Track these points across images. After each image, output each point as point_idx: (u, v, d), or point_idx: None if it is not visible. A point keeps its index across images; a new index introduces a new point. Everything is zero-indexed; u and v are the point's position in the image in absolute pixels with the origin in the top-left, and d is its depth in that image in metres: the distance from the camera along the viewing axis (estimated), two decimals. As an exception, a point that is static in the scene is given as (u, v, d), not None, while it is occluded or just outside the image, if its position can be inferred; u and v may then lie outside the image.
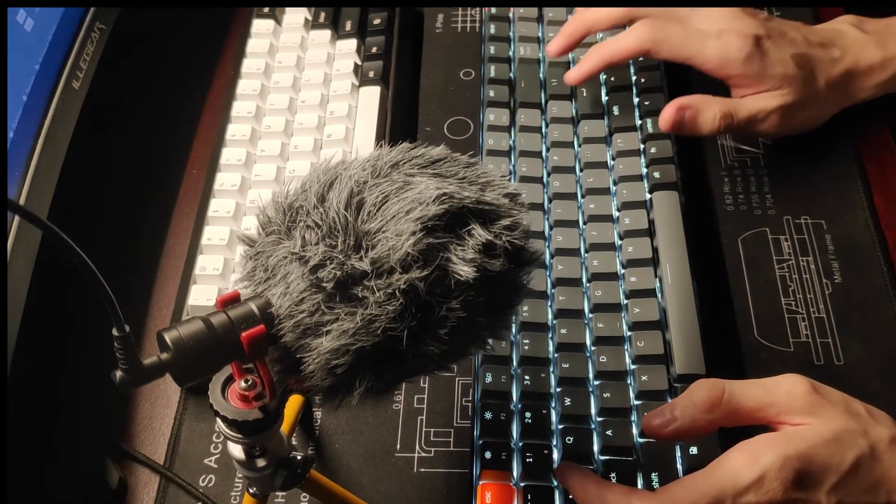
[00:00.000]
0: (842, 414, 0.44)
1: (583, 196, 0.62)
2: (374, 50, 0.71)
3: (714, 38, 0.61)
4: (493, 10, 0.73)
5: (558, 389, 0.53)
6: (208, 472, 0.54)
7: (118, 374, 0.33)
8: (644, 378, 0.53)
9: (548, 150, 0.65)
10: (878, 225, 0.62)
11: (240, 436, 0.38)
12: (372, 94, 0.68)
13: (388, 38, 0.72)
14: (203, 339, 0.34)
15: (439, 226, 0.35)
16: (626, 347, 0.55)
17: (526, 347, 0.55)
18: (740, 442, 0.44)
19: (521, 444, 0.52)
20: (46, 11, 0.59)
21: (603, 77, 0.68)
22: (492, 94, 0.68)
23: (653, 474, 0.50)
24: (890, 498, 0.43)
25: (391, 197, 0.35)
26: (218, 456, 0.55)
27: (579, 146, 0.65)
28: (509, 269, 0.37)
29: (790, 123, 0.63)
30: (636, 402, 0.53)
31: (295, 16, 0.74)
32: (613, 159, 0.64)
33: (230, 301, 0.35)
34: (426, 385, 0.57)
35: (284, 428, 0.45)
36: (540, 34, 0.72)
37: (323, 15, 0.74)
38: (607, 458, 0.51)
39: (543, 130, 0.66)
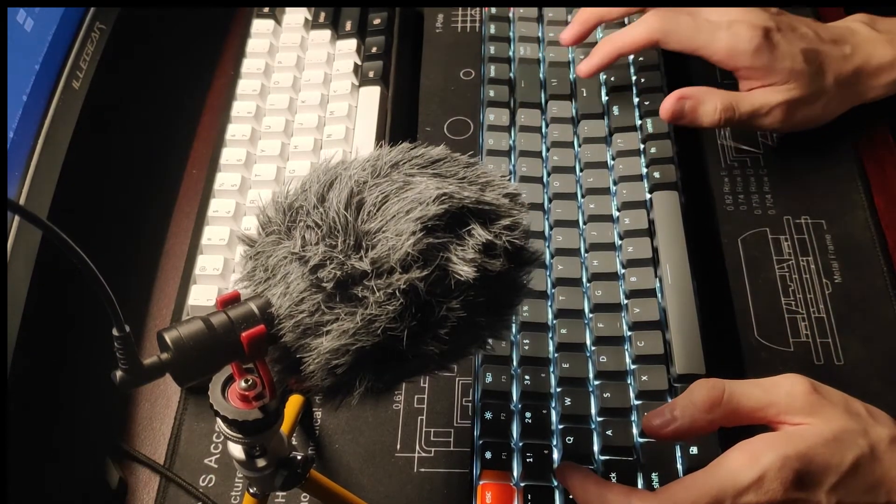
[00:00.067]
0: (842, 414, 0.44)
1: (583, 196, 0.62)
2: (374, 50, 0.71)
3: (724, 29, 0.61)
4: (493, 10, 0.73)
5: (558, 389, 0.53)
6: (208, 472, 0.54)
7: (118, 374, 0.33)
8: (644, 378, 0.53)
9: (548, 150, 0.65)
10: (878, 225, 0.62)
11: (240, 436, 0.38)
12: (372, 94, 0.68)
13: (388, 38, 0.72)
14: (203, 339, 0.34)
15: (439, 226, 0.35)
16: (626, 347, 0.55)
17: (526, 347, 0.55)
18: (740, 442, 0.44)
19: (521, 444, 0.52)
20: (46, 11, 0.59)
21: (603, 77, 0.68)
22: (492, 94, 0.68)
23: (653, 474, 0.50)
24: (890, 498, 0.43)
25: (391, 197, 0.35)
26: (218, 456, 0.55)
27: (579, 146, 0.65)
28: (509, 269, 0.37)
29: (794, 119, 0.62)
30: (636, 402, 0.53)
31: (295, 16, 0.74)
32: (613, 159, 0.64)
33: (230, 301, 0.35)
34: (426, 385, 0.57)
35: (284, 428, 0.45)
36: (540, 34, 0.72)
37: (323, 15, 0.74)
38: (607, 458, 0.51)
39: (543, 130, 0.66)
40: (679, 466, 0.50)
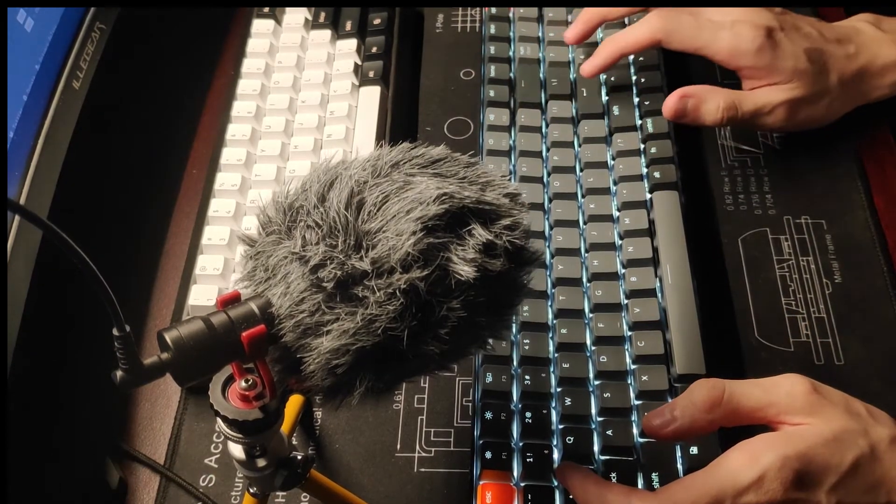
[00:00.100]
0: (842, 414, 0.44)
1: (583, 196, 0.62)
2: (374, 50, 0.71)
3: (726, 28, 0.61)
4: (493, 10, 0.73)
5: (558, 389, 0.53)
6: (208, 472, 0.54)
7: (118, 374, 0.33)
8: (644, 378, 0.53)
9: (548, 150, 0.65)
10: (878, 225, 0.62)
11: (240, 436, 0.38)
12: (372, 94, 0.68)
13: (388, 38, 0.72)
14: (203, 339, 0.34)
15: (440, 225, 0.35)
16: (626, 347, 0.55)
17: (526, 347, 0.55)
18: (740, 442, 0.44)
19: (521, 444, 0.52)
20: (46, 11, 0.59)
21: (603, 77, 0.68)
22: (492, 94, 0.68)
23: (653, 474, 0.50)
24: (890, 498, 0.43)
25: (391, 197, 0.35)
26: (218, 456, 0.55)
27: (579, 146, 0.65)
28: (509, 268, 0.37)
29: (797, 119, 0.62)
30: (636, 402, 0.53)
31: (295, 16, 0.74)
32: (613, 159, 0.64)
33: (230, 301, 0.35)
34: (426, 385, 0.57)
35: (284, 428, 0.45)
36: (540, 34, 0.72)
37: (323, 15, 0.74)
38: (607, 458, 0.51)
39: (543, 130, 0.66)
40: (679, 466, 0.50)
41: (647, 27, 0.62)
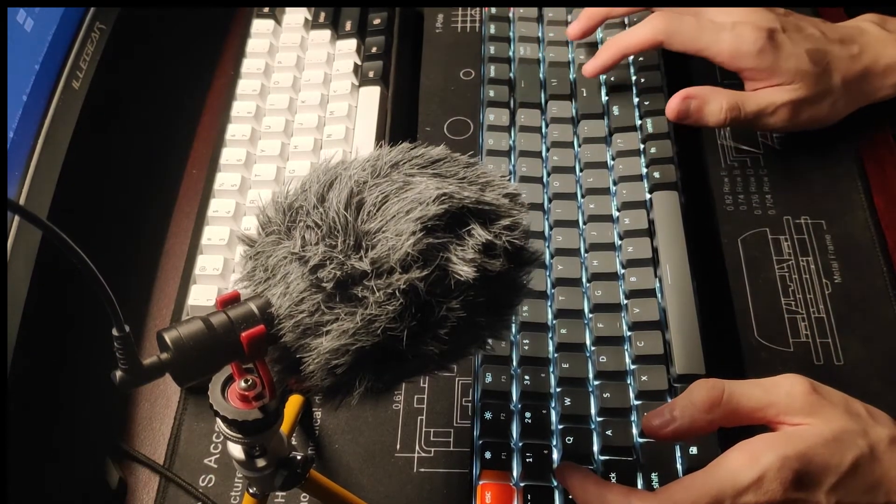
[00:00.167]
0: (842, 414, 0.44)
1: (583, 196, 0.62)
2: (374, 50, 0.71)
3: (728, 30, 0.61)
4: (493, 10, 0.73)
5: (558, 389, 0.53)
6: (208, 472, 0.54)
7: (118, 374, 0.33)
8: (644, 378, 0.53)
9: (548, 150, 0.65)
10: (878, 225, 0.62)
11: (240, 436, 0.38)
12: (372, 94, 0.68)
13: (388, 38, 0.72)
14: (203, 339, 0.34)
15: (439, 226, 0.35)
16: (626, 347, 0.55)
17: (526, 347, 0.55)
18: (740, 442, 0.44)
19: (521, 444, 0.52)
20: (46, 11, 0.59)
21: (603, 77, 0.68)
22: (492, 94, 0.68)
23: (653, 474, 0.50)
24: (889, 498, 0.43)
25: (391, 197, 0.35)
26: (218, 456, 0.55)
27: (579, 146, 0.65)
28: (509, 269, 0.37)
29: (800, 119, 0.62)
30: (636, 402, 0.53)
31: (295, 16, 0.74)
32: (613, 159, 0.64)
33: (230, 301, 0.35)
34: (426, 385, 0.57)
35: (284, 428, 0.45)
36: (540, 34, 0.72)
37: (323, 15, 0.74)
38: (607, 458, 0.51)
39: (543, 130, 0.66)
40: (679, 466, 0.50)
41: (649, 28, 0.62)
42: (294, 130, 0.67)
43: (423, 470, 0.54)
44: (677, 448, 0.51)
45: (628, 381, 0.54)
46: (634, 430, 0.52)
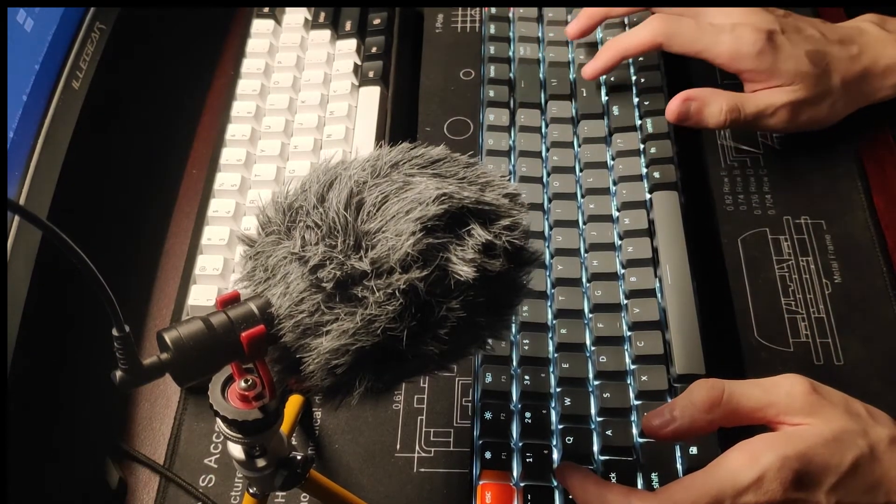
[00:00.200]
0: (841, 414, 0.44)
1: (583, 196, 0.62)
2: (374, 50, 0.71)
3: (727, 32, 0.61)
4: (493, 10, 0.73)
5: (558, 389, 0.53)
6: (208, 472, 0.54)
7: (118, 374, 0.33)
8: (644, 378, 0.53)
9: (548, 150, 0.65)
10: (878, 225, 0.62)
11: (240, 436, 0.38)
12: (372, 94, 0.68)
13: (388, 38, 0.72)
14: (203, 339, 0.34)
15: (439, 226, 0.35)
16: (626, 347, 0.55)
17: (526, 347, 0.55)
18: (740, 442, 0.44)
19: (521, 444, 0.52)
20: (46, 11, 0.59)
21: (603, 77, 0.68)
22: (492, 94, 0.68)
23: (653, 474, 0.50)
24: (889, 498, 0.43)
25: (391, 197, 0.35)
26: (218, 456, 0.55)
27: (579, 146, 0.65)
28: (509, 269, 0.37)
29: (800, 120, 0.62)
30: (636, 402, 0.53)
31: (295, 16, 0.74)
32: (613, 159, 0.64)
33: (230, 301, 0.35)
34: (426, 385, 0.57)
35: (284, 428, 0.45)
36: (540, 34, 0.72)
37: (323, 15, 0.74)
38: (607, 458, 0.51)
39: (543, 130, 0.66)
40: (679, 466, 0.50)
41: (648, 30, 0.63)
42: (294, 130, 0.67)
43: (423, 470, 0.54)
44: (677, 448, 0.51)
45: (628, 381, 0.54)
46: (634, 430, 0.52)
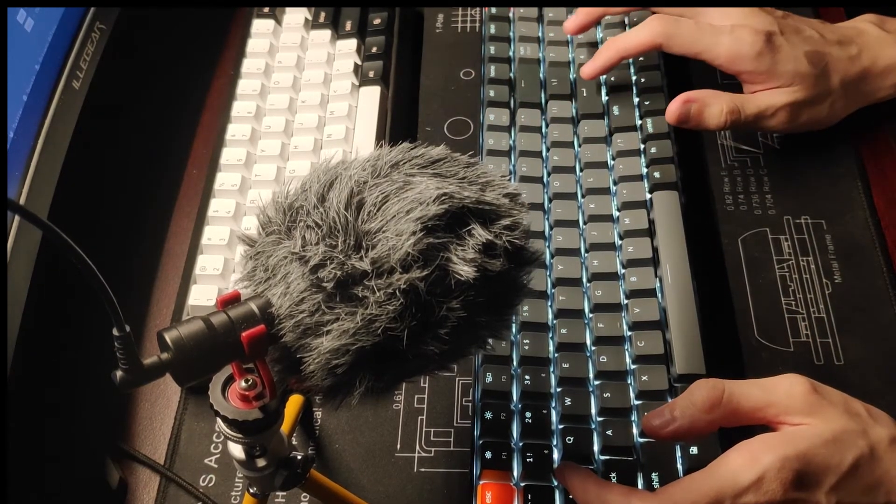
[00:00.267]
0: (841, 414, 0.44)
1: (583, 196, 0.62)
2: (374, 50, 0.71)
3: (726, 33, 0.61)
4: (493, 10, 0.73)
5: (558, 389, 0.53)
6: (208, 472, 0.54)
7: (118, 374, 0.33)
8: (644, 378, 0.53)
9: (548, 150, 0.65)
10: (878, 225, 0.62)
11: (240, 436, 0.38)
12: (372, 94, 0.68)
13: (388, 38, 0.72)
14: (203, 339, 0.34)
15: (439, 226, 0.35)
16: (626, 347, 0.55)
17: (526, 347, 0.55)
18: (740, 442, 0.44)
19: (521, 444, 0.52)
20: (46, 11, 0.59)
21: (603, 77, 0.68)
22: (492, 94, 0.68)
23: (653, 474, 0.50)
24: (889, 498, 0.43)
25: (391, 197, 0.35)
26: (218, 456, 0.55)
27: (579, 146, 0.65)
28: (509, 268, 0.37)
29: (799, 121, 0.63)
30: (636, 402, 0.53)
31: (295, 16, 0.74)
32: (613, 159, 0.64)
33: (230, 301, 0.35)
34: (426, 385, 0.57)
35: (284, 428, 0.45)
36: (540, 34, 0.72)
37: (323, 15, 0.74)
38: (607, 458, 0.51)
39: (543, 130, 0.66)
40: (679, 466, 0.50)
41: (648, 31, 0.63)
42: (294, 130, 0.67)
43: (423, 470, 0.54)
44: (677, 448, 0.51)
45: (628, 381, 0.54)
46: (635, 430, 0.52)
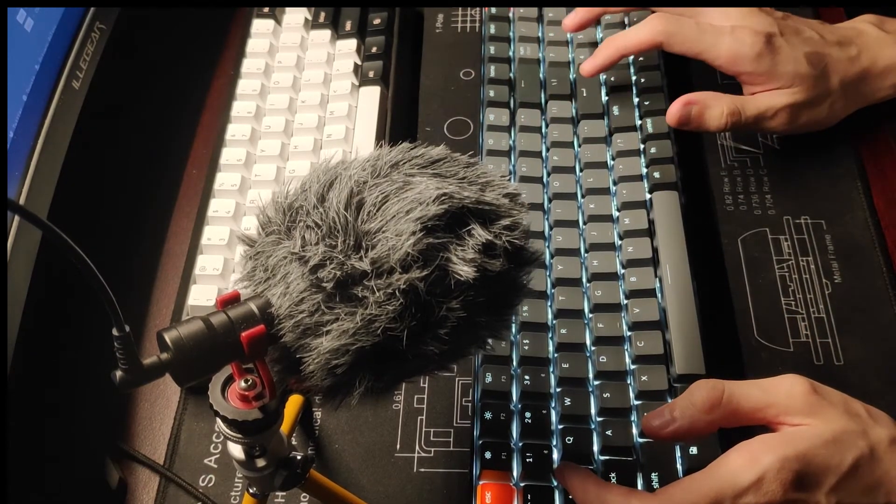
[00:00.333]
0: (841, 414, 0.44)
1: (583, 196, 0.62)
2: (374, 50, 0.71)
3: (727, 34, 0.61)
4: (493, 10, 0.73)
5: (558, 389, 0.53)
6: (208, 472, 0.54)
7: (118, 374, 0.33)
8: (644, 378, 0.53)
9: (548, 150, 0.65)
10: (878, 225, 0.62)
11: (240, 436, 0.38)
12: (372, 94, 0.68)
13: (388, 38, 0.72)
14: (203, 339, 0.34)
15: (439, 226, 0.35)
16: (626, 347, 0.55)
17: (526, 347, 0.55)
18: (739, 443, 0.44)
19: (521, 444, 0.52)
20: (46, 11, 0.59)
21: (603, 77, 0.68)
22: (492, 94, 0.68)
23: (653, 475, 0.50)
24: (889, 499, 0.43)
25: (391, 197, 0.35)
26: (218, 456, 0.55)
27: (579, 146, 0.65)
28: (509, 268, 0.37)
29: (800, 122, 0.63)
30: (636, 403, 0.53)
31: (295, 16, 0.74)
32: (613, 159, 0.64)
33: (230, 301, 0.35)
34: (426, 385, 0.57)
35: (284, 428, 0.45)
36: (540, 34, 0.72)
37: (323, 15, 0.74)
38: (607, 458, 0.51)
39: (543, 130, 0.66)
40: (679, 467, 0.50)
41: (648, 29, 0.63)
42: (294, 130, 0.67)
43: (423, 470, 0.54)
44: (677, 448, 0.51)
45: (628, 381, 0.54)
46: (634, 431, 0.52)
